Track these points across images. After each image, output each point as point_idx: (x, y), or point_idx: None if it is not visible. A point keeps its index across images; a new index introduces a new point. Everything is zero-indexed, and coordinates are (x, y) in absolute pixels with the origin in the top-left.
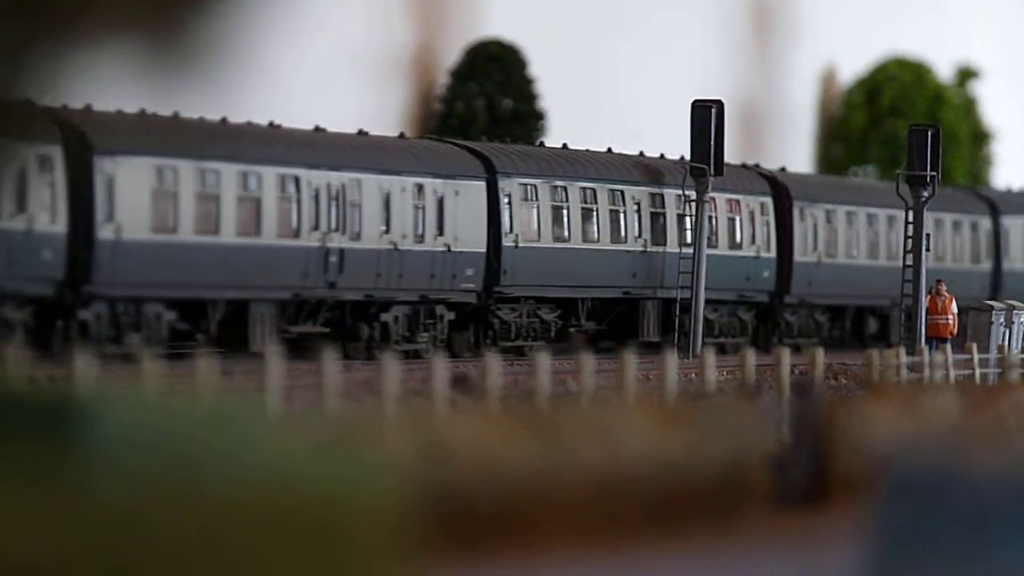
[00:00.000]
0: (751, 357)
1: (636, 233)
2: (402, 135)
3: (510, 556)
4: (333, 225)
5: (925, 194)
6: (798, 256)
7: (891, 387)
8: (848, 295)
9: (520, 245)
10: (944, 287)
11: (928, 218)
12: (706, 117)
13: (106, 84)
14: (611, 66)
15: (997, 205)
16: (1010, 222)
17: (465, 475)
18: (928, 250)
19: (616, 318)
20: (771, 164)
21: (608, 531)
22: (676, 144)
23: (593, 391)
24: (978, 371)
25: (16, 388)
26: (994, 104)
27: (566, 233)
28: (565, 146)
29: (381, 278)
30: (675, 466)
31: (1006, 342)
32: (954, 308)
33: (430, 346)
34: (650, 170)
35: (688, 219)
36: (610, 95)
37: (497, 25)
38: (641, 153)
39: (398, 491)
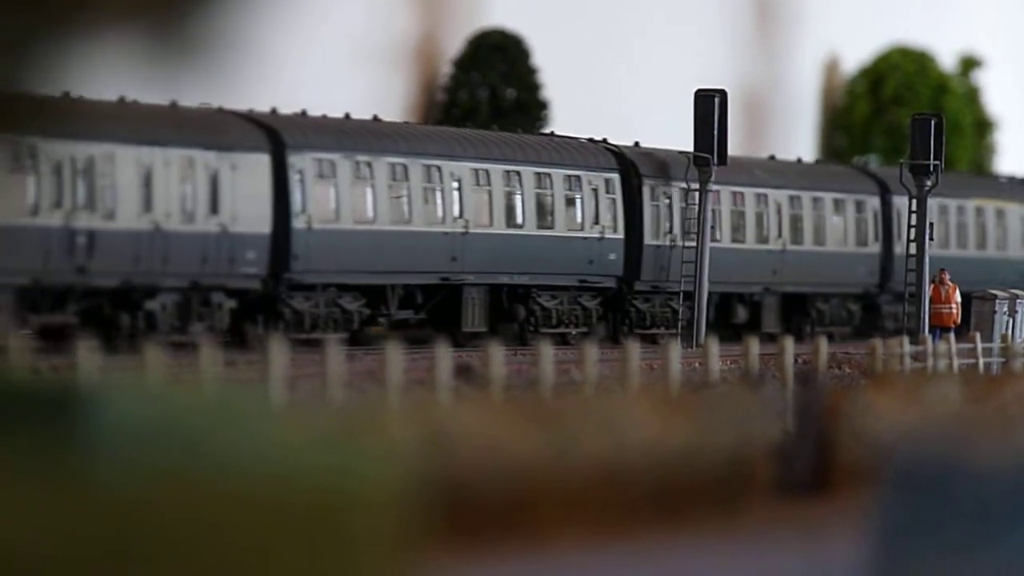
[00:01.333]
0: (755, 346)
1: (457, 213)
2: (175, 104)
3: (514, 546)
4: (81, 203)
5: (928, 183)
6: (649, 239)
7: (894, 376)
8: (713, 281)
9: (314, 227)
10: (947, 276)
11: (807, 197)
12: (709, 107)
13: (108, 74)
14: (614, 56)
15: (887, 184)
16: (902, 202)
17: (469, 465)
18: (932, 239)
19: (437, 306)
20: (777, 154)
21: (612, 521)
22: (679, 134)
23: (597, 381)
24: (981, 360)
25: (20, 379)
26: (997, 93)
27: (370, 213)
28: (376, 118)
29: (141, 262)
30: (679, 456)
31: (1009, 331)
32: (957, 297)
33: (204, 336)
34: (489, 144)
35: (550, 197)
36: (613, 85)
37: (500, 15)
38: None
39: (401, 481)
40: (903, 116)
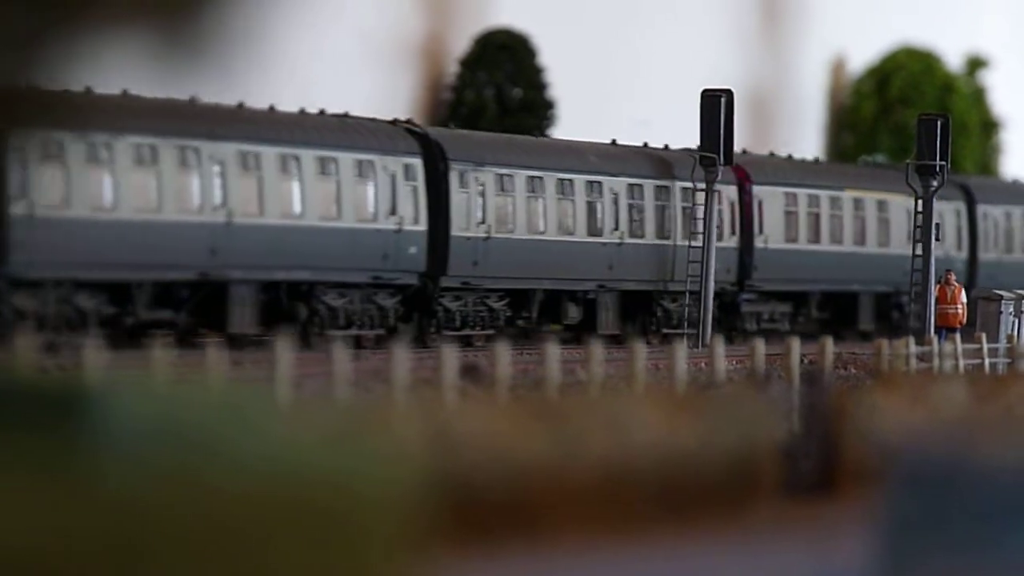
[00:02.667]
0: (761, 347)
1: (219, 201)
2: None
3: (520, 545)
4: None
5: (935, 183)
6: (458, 230)
7: (900, 377)
8: (533, 277)
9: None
10: (953, 277)
11: (649, 186)
12: (715, 106)
13: (119, 71)
14: (621, 55)
15: (748, 173)
16: (763, 191)
17: (475, 464)
18: (938, 239)
19: (200, 305)
20: (781, 154)
21: (618, 520)
22: (686, 133)
23: (602, 380)
24: (987, 361)
25: (27, 377)
26: (1003, 93)
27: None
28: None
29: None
30: (684, 456)
31: (1015, 332)
32: (963, 298)
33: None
34: (263, 124)
35: (335, 184)
36: (619, 84)
37: (507, 14)
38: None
39: (408, 481)
40: (909, 116)
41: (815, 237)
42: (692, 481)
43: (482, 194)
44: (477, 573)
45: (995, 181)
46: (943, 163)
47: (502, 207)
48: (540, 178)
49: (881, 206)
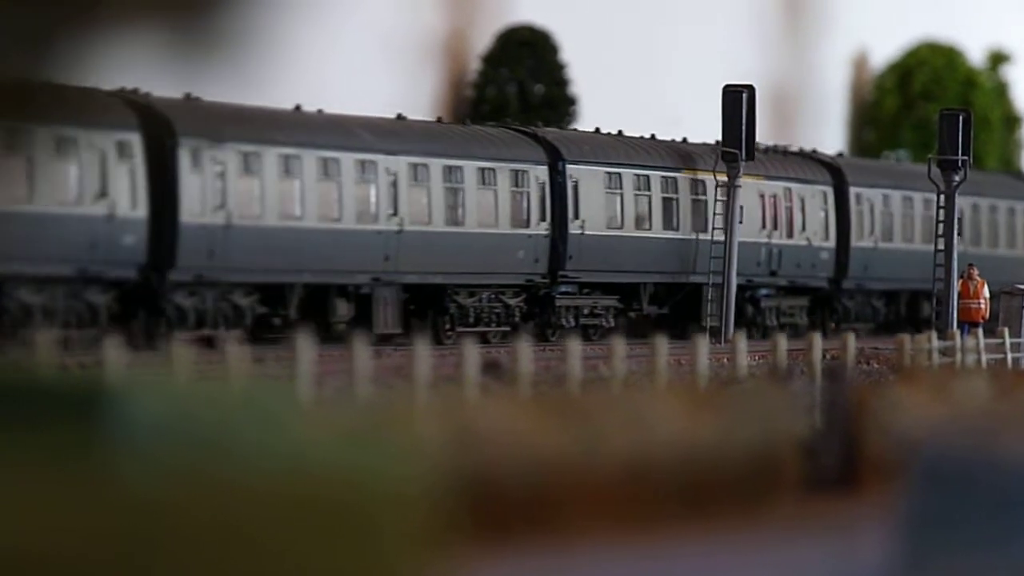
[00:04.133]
0: (783, 342)
1: None
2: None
3: (541, 542)
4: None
5: (957, 179)
6: (190, 216)
7: (922, 372)
8: (288, 269)
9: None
10: (976, 271)
11: (436, 166)
12: (737, 102)
13: (134, 69)
14: (642, 51)
15: (559, 151)
16: (578, 171)
17: (495, 461)
18: (960, 234)
19: None
20: (806, 148)
21: (639, 516)
22: (708, 129)
23: (624, 376)
24: (1010, 355)
25: (46, 375)
26: None
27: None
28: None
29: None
30: (706, 451)
31: None
32: (986, 292)
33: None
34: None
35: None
36: (641, 80)
37: (528, 10)
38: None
39: (428, 478)
40: (932, 111)
41: (645, 223)
42: (713, 477)
43: (221, 175)
44: (497, 570)
45: (871, 161)
46: (965, 158)
47: (246, 190)
48: (297, 157)
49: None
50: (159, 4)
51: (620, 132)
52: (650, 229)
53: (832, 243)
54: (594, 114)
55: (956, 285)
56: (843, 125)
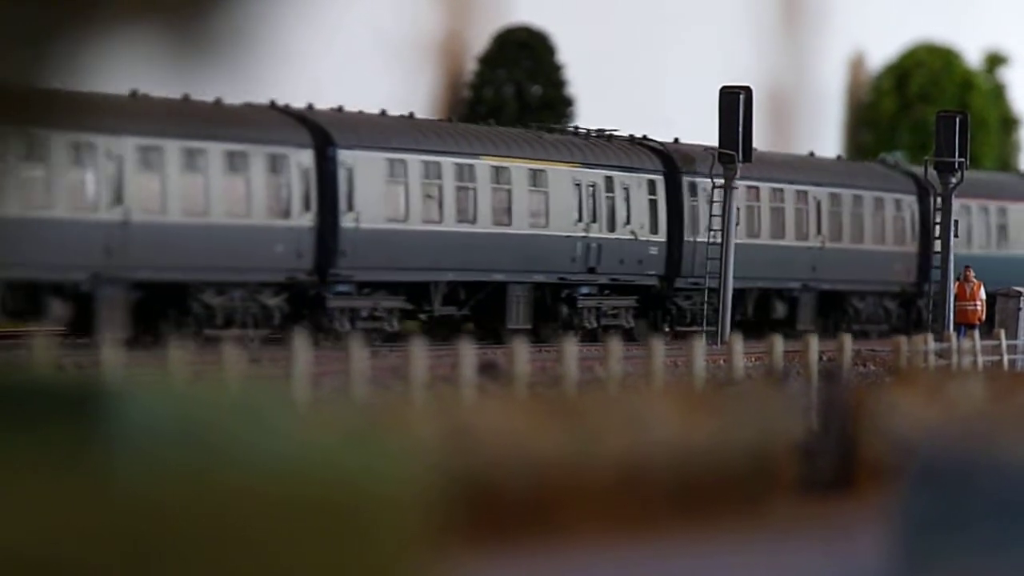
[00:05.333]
0: (779, 343)
1: None
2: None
3: (537, 543)
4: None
5: (953, 180)
6: None
7: (919, 374)
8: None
9: None
10: (972, 273)
11: (217, 151)
12: (734, 103)
13: (128, 70)
14: (640, 52)
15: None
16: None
17: (492, 462)
18: (957, 236)
19: None
20: (801, 151)
21: (635, 518)
22: (705, 130)
23: (620, 378)
24: (1006, 357)
25: (43, 375)
26: (1023, 90)
27: None
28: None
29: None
30: (702, 453)
31: None
32: (982, 294)
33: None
34: None
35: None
36: (639, 81)
37: (526, 11)
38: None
39: (424, 479)
40: (929, 113)
41: (436, 215)
42: (710, 478)
43: None
44: (494, 571)
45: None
46: (962, 160)
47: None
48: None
49: (537, 177)
50: (155, 3)
51: (411, 114)
52: (441, 222)
53: (663, 237)
54: (591, 115)
55: (952, 287)
56: (840, 127)
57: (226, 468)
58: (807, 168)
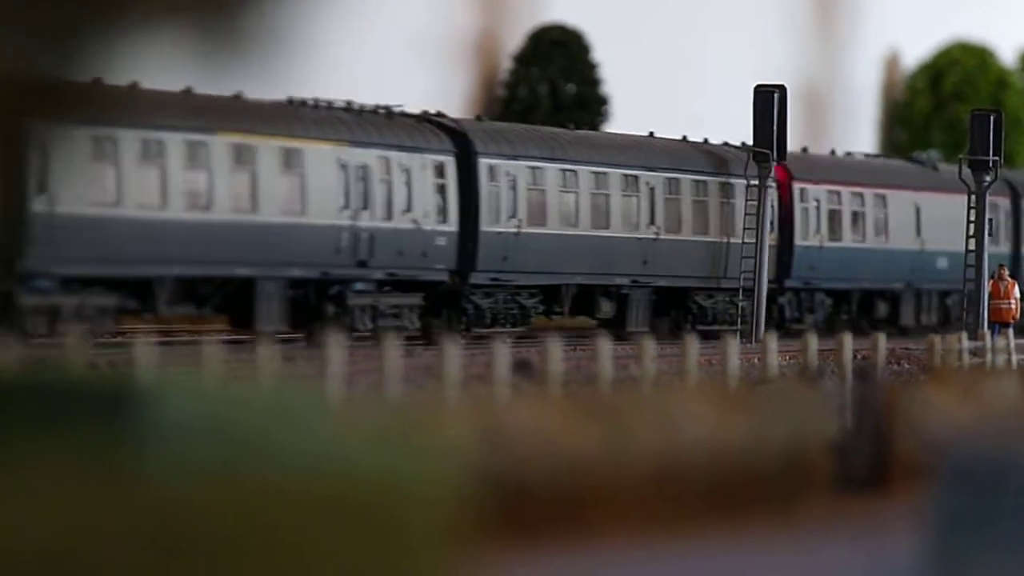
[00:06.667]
0: (814, 342)
1: None
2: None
3: (570, 542)
4: None
5: (987, 179)
6: None
7: (953, 372)
8: None
9: None
10: (1006, 272)
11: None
12: (769, 102)
13: (160, 68)
14: (674, 51)
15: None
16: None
17: (525, 461)
18: (991, 235)
19: None
20: (837, 149)
21: (669, 517)
22: (739, 129)
23: (654, 376)
24: None
25: (75, 373)
26: None
27: None
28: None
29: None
30: (736, 452)
31: None
32: (1016, 293)
33: None
34: None
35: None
36: (673, 80)
37: (560, 10)
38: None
39: (457, 478)
40: (963, 111)
41: (158, 201)
42: (743, 477)
43: None
44: (527, 570)
45: (526, 128)
46: (996, 158)
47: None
48: None
49: (290, 157)
50: (188, 2)
51: (188, 88)
52: (166, 209)
53: (454, 227)
54: (625, 114)
55: (987, 285)
56: (874, 125)
57: (258, 468)
58: (640, 151)
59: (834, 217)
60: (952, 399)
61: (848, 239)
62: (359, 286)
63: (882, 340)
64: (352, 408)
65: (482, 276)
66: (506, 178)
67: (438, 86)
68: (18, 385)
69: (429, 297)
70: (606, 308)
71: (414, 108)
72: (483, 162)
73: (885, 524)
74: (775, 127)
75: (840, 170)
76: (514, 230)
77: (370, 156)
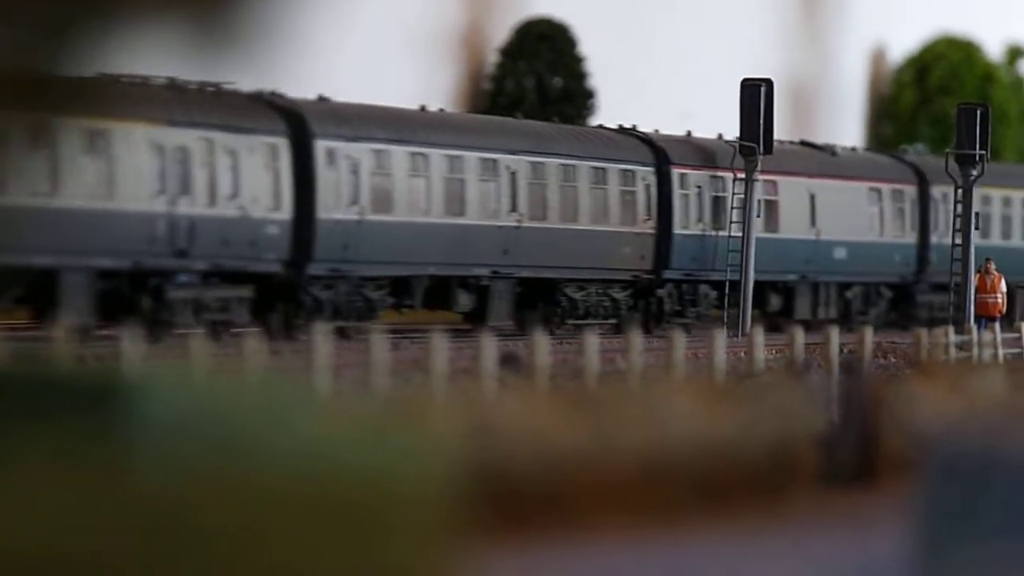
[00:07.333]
0: (800, 336)
1: None
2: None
3: (558, 536)
4: None
5: (974, 173)
6: None
7: (939, 366)
8: None
9: None
10: (993, 266)
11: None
12: (755, 96)
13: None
14: (661, 44)
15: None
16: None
17: (512, 455)
18: (978, 228)
19: None
20: (821, 141)
21: (656, 511)
22: (726, 123)
23: (641, 370)
24: None
25: (62, 368)
26: None
27: None
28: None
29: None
30: (723, 445)
31: None
32: (1003, 287)
33: None
34: None
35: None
36: (660, 74)
37: (547, 3)
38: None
39: (445, 473)
40: (949, 105)
41: None
42: (730, 471)
43: None
44: (516, 565)
45: (374, 108)
46: (983, 152)
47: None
48: None
49: (97, 138)
50: None
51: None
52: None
53: (289, 214)
54: (612, 108)
55: (973, 279)
56: (861, 119)
57: (246, 464)
58: (501, 133)
59: (718, 204)
60: (938, 393)
61: (737, 229)
62: (183, 278)
63: (869, 334)
64: (340, 404)
65: (320, 267)
66: (347, 162)
67: (424, 79)
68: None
69: (262, 290)
70: (464, 301)
71: (403, 102)
72: (321, 144)
73: (872, 518)
74: (761, 121)
75: (726, 155)
76: (356, 217)
77: (190, 137)
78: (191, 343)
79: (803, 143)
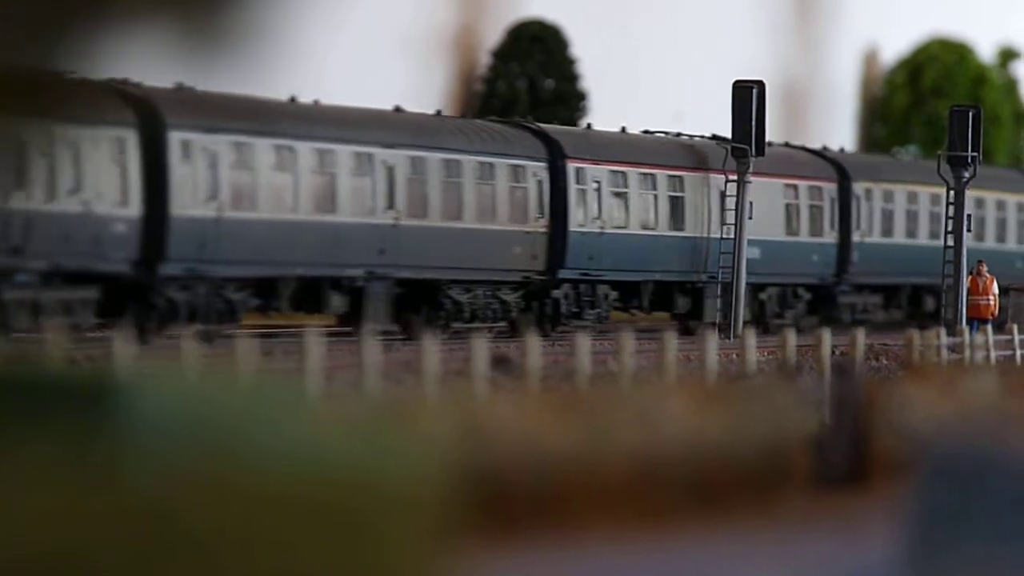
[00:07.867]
0: (792, 338)
1: None
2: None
3: (550, 538)
4: None
5: (966, 175)
6: None
7: (931, 368)
8: None
9: None
10: (985, 268)
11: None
12: (747, 97)
13: (141, 62)
14: (653, 46)
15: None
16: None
17: (504, 457)
18: (970, 230)
19: None
20: (814, 144)
21: (648, 512)
22: (718, 124)
23: (633, 372)
24: (1019, 352)
25: (53, 369)
26: None
27: None
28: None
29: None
30: (715, 447)
31: None
32: (995, 289)
33: None
34: None
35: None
36: (652, 75)
37: (539, 5)
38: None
39: (436, 475)
40: (942, 107)
41: None
42: (722, 472)
43: None
44: (508, 567)
45: (237, 97)
46: (975, 154)
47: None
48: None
49: None
50: None
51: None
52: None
53: (137, 213)
54: (605, 109)
55: (965, 281)
56: (853, 120)
57: (236, 466)
58: (377, 126)
59: (619, 201)
60: (931, 395)
61: (636, 226)
62: (22, 278)
63: (861, 336)
64: (331, 405)
65: (175, 267)
66: (203, 155)
67: (417, 81)
68: None
69: (109, 291)
70: (337, 302)
71: (392, 103)
72: (175, 136)
73: (863, 519)
74: (753, 122)
75: (628, 149)
76: (213, 215)
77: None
78: (182, 345)
79: (714, 137)
